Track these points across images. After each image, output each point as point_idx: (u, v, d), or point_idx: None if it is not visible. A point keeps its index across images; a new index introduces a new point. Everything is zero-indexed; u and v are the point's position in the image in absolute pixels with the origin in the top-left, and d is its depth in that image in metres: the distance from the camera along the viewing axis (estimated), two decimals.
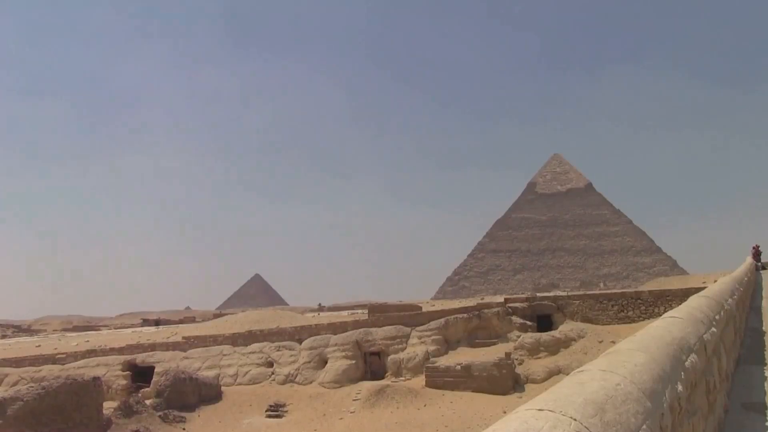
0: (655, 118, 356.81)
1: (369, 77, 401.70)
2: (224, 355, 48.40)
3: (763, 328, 16.48)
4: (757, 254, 54.40)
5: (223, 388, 43.64)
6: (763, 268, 51.36)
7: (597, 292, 69.78)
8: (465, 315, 47.81)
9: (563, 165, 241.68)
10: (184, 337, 52.94)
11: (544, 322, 48.42)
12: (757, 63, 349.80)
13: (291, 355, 46.70)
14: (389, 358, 44.75)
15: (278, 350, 47.39)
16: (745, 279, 27.16)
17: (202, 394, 40.95)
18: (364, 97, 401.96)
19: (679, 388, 4.14)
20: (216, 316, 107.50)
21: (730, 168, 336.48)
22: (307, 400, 40.05)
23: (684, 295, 38.54)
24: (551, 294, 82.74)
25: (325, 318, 69.80)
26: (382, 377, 43.69)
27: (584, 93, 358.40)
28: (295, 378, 44.62)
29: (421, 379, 40.93)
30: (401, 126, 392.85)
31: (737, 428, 6.78)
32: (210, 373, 45.70)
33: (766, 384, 9.22)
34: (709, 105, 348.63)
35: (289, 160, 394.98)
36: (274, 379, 45.05)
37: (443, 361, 41.43)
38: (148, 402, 37.90)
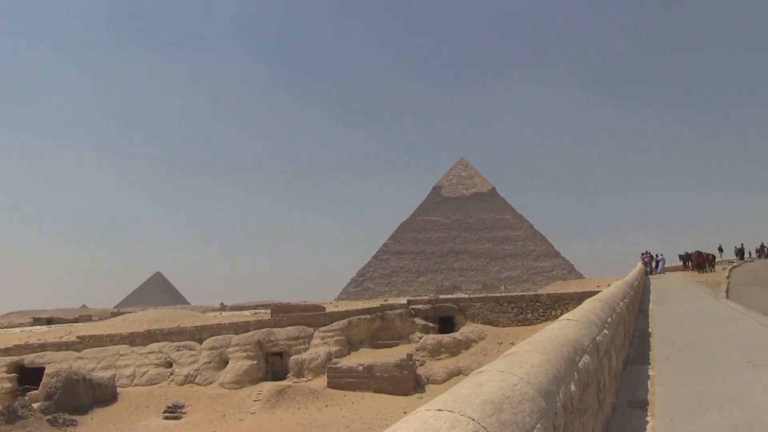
0: (556, 127, 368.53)
1: (275, 78, 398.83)
2: (121, 355, 46.87)
3: (650, 329, 17.24)
4: (650, 260, 57.00)
5: (119, 389, 42.27)
6: (648, 273, 53.70)
7: (498, 294, 71.41)
8: (368, 316, 48.00)
9: (468, 169, 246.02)
10: (78, 337, 50.85)
11: (446, 324, 49.15)
12: (652, 77, 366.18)
13: (191, 355, 45.71)
14: (291, 358, 44.43)
15: (178, 350, 46.29)
16: (636, 283, 28.37)
17: (96, 395, 39.47)
18: (269, 98, 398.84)
19: (572, 388, 4.27)
20: (114, 314, 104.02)
21: (624, 178, 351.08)
22: (207, 401, 39.28)
23: (580, 298, 39.87)
24: (454, 296, 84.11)
25: (227, 318, 68.70)
26: (283, 378, 43.32)
27: (490, 99, 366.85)
28: (194, 378, 43.70)
29: (323, 380, 40.83)
30: (307, 127, 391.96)
31: (623, 425, 7.07)
32: (105, 374, 44.16)
33: (649, 382, 9.65)
34: (608, 116, 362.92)
35: (192, 158, 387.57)
36: (173, 380, 43.97)
37: (346, 362, 41.45)
38: (35, 405, 36.25)
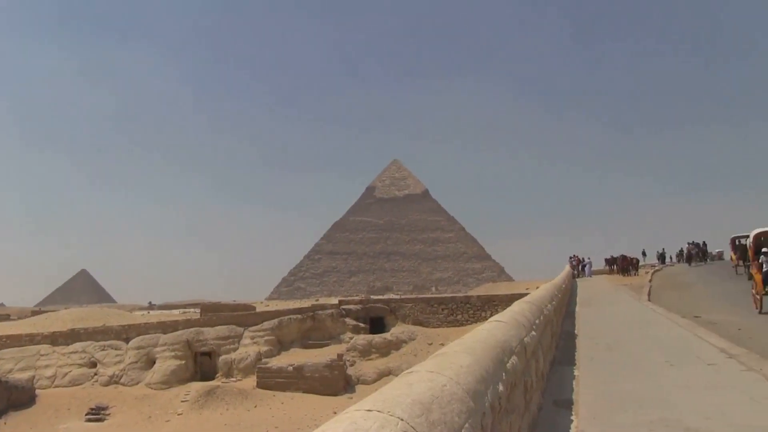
0: (489, 130, 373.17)
1: (211, 72, 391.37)
2: (42, 355, 45.35)
3: (576, 331, 17.68)
4: (577, 264, 58.38)
5: (38, 391, 40.87)
6: (575, 276, 54.97)
7: (429, 296, 71.99)
8: (299, 316, 47.77)
9: (402, 171, 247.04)
10: None
11: (377, 324, 49.27)
12: (581, 81, 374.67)
13: (117, 355, 44.62)
14: (221, 358, 43.85)
15: (103, 350, 45.11)
16: (563, 286, 29.01)
17: (11, 398, 37.91)
18: (203, 91, 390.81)
19: (500, 388, 4.36)
20: (35, 313, 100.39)
21: (554, 183, 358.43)
22: (133, 402, 38.39)
23: (509, 300, 40.53)
24: (385, 297, 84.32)
25: (156, 317, 67.32)
26: (212, 378, 42.73)
27: (424, 101, 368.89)
28: (120, 379, 42.67)
29: (252, 380, 40.44)
30: (241, 122, 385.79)
31: (548, 424, 7.25)
32: (23, 375, 42.65)
33: (574, 382, 9.90)
34: (540, 121, 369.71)
35: (120, 152, 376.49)
36: (96, 381, 42.81)
37: (276, 362, 41.16)
38: None
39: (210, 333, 45.38)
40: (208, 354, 44.64)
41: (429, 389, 3.12)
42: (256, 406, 35.71)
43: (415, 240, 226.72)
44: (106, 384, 42.22)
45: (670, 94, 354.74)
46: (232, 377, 42.24)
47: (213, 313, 52.52)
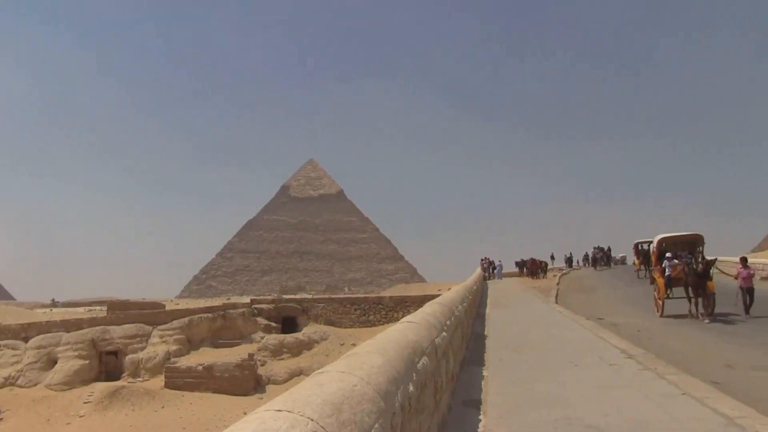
0: (405, 133, 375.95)
1: (132, 62, 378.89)
2: None
3: (486, 332, 18.04)
4: (488, 266, 59.54)
5: None
6: (486, 278, 56.03)
7: (341, 296, 72.07)
8: (210, 315, 46.97)
9: (317, 170, 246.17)
10: None
11: (289, 324, 48.98)
12: (500, 88, 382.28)
13: (14, 355, 42.68)
14: (127, 357, 42.61)
15: None
16: (475, 288, 29.53)
17: None
18: (120, 79, 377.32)
19: (411, 388, 4.42)
20: None
21: (467, 186, 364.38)
22: (30, 405, 36.72)
23: (421, 301, 40.98)
24: (298, 296, 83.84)
25: (59, 315, 64.84)
26: (118, 378, 41.46)
27: (342, 102, 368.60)
28: (16, 380, 40.79)
29: (160, 380, 39.45)
30: (152, 117, 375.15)
31: (458, 423, 7.39)
32: None
33: (483, 383, 10.12)
34: (456, 124, 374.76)
35: (23, 141, 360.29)
36: None
37: (185, 362, 40.31)
38: None
39: (117, 332, 44.04)
40: (114, 353, 43.30)
41: (340, 389, 3.14)
42: (163, 407, 34.87)
43: (329, 240, 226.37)
44: (1, 386, 40.28)
45: (584, 102, 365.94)
46: (139, 377, 41.11)
47: (120, 311, 50.97)
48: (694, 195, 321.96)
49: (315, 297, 60.67)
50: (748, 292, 20.32)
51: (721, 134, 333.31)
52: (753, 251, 71.85)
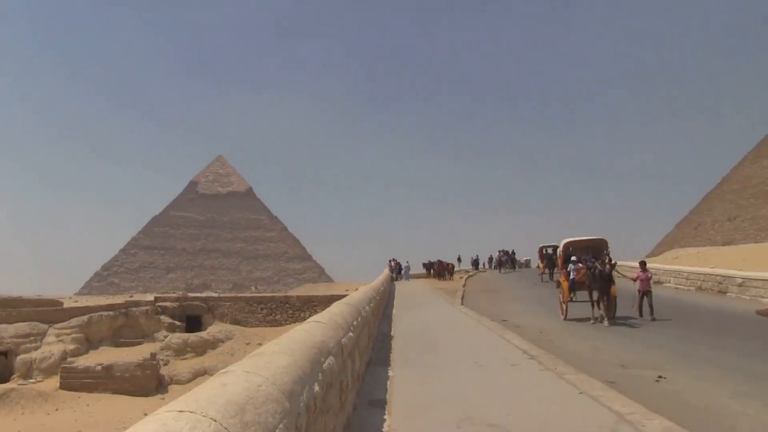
0: (313, 133, 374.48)
1: (38, 58, 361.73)
2: None
3: (392, 333, 18.16)
4: (396, 267, 60.01)
5: None
6: (394, 279, 56.46)
7: (248, 294, 71.07)
8: (111, 312, 45.50)
9: (226, 167, 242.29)
10: None
11: (194, 323, 48.01)
12: (396, 88, 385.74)
13: None
14: (19, 358, 40.71)
15: None
16: (382, 289, 29.70)
17: None
18: (27, 74, 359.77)
19: (316, 388, 4.40)
20: None
21: (374, 186, 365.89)
22: None
23: (329, 301, 40.95)
24: (203, 295, 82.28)
25: None
26: (8, 380, 39.59)
27: (252, 100, 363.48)
28: None
29: (55, 381, 37.89)
30: (55, 111, 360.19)
31: (362, 423, 7.42)
32: None
33: (389, 383, 10.18)
34: (364, 123, 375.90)
35: None
36: None
37: (83, 361, 38.89)
38: None
39: (7, 330, 42.04)
40: (4, 354, 41.30)
41: (244, 389, 3.10)
42: (57, 409, 33.52)
43: (237, 238, 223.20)
44: None
45: (488, 103, 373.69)
46: (32, 378, 39.36)
47: (12, 308, 48.69)
48: (594, 201, 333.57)
49: (221, 295, 59.59)
50: (645, 294, 20.99)
51: (614, 144, 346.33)
52: (648, 256, 75.01)
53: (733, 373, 10.83)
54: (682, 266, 37.79)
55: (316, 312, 29.98)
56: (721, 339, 14.44)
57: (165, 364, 39.99)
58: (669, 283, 33.61)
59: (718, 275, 29.61)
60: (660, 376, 10.83)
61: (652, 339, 16.22)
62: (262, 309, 49.25)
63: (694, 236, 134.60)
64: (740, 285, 26.96)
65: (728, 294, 27.49)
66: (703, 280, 31.06)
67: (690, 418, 7.67)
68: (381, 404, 8.57)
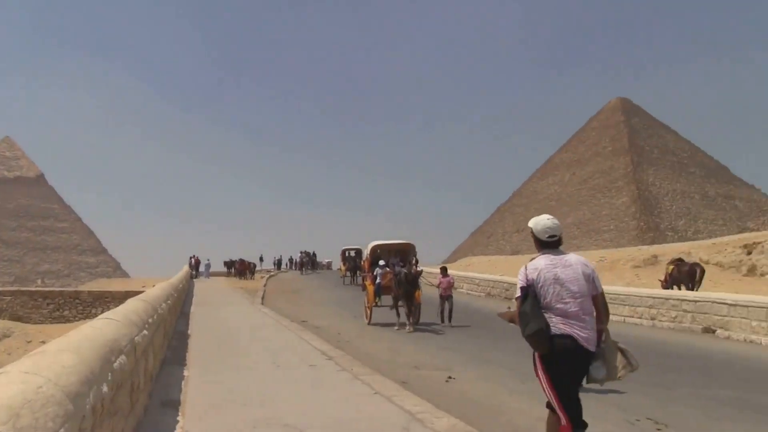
0: (116, 120, 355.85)
1: None
2: None
3: (189, 331, 17.72)
4: (197, 264, 58.65)
5: None
6: (194, 277, 55.16)
7: (32, 288, 66.18)
8: None
9: (14, 150, 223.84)
10: None
11: None
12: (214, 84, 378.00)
13: None
14: None
15: None
16: (181, 286, 28.93)
17: None
18: None
19: (105, 389, 4.18)
20: None
21: (183, 182, 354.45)
22: None
23: (124, 297, 38.97)
24: None
25: None
26: None
27: (45, 80, 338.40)
28: None
29: None
30: None
31: (154, 425, 7.15)
32: None
33: (184, 383, 9.92)
34: (180, 118, 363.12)
35: None
36: None
37: None
38: None
39: None
40: None
41: (21, 392, 2.87)
42: None
43: (23, 227, 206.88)
44: None
45: (295, 112, 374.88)
46: None
47: None
48: (396, 207, 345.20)
49: (1, 289, 54.98)
50: (446, 300, 21.06)
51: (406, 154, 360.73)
52: (444, 263, 78.75)
53: (512, 372, 11.65)
54: (475, 273, 40.14)
55: (109, 308, 28.51)
56: (503, 341, 15.39)
57: None
58: (462, 288, 35.47)
59: (505, 282, 31.74)
60: (450, 377, 11.38)
61: (445, 342, 17.02)
62: (48, 304, 46.01)
63: (487, 245, 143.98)
64: None
65: (513, 300, 29.42)
66: (492, 287, 33.18)
67: (475, 415, 8.15)
68: (174, 405, 8.32)
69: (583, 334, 5.01)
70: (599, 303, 5.23)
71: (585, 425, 5.12)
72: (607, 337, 5.19)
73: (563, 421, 5.06)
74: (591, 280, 5.18)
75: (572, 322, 5.02)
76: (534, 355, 5.23)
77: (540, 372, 5.18)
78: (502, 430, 7.63)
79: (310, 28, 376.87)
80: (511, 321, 5.61)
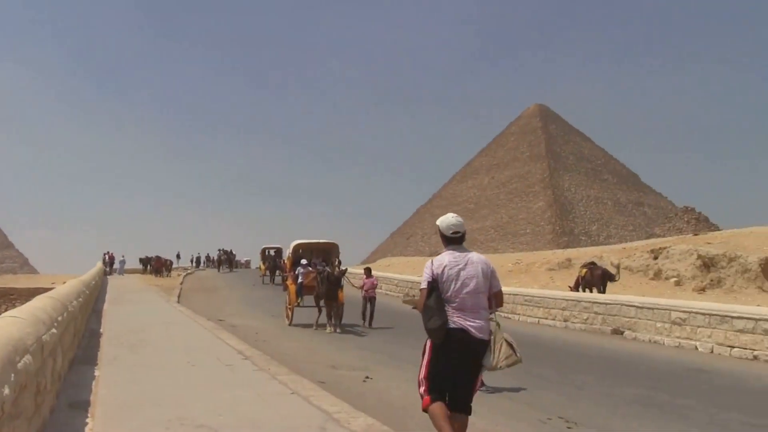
0: (29, 108, 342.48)
1: None
2: None
3: (102, 330, 17.23)
4: (111, 261, 57.15)
5: None
6: (108, 273, 53.76)
7: None
8: None
9: None
10: None
11: None
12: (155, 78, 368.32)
13: None
14: None
15: None
16: (93, 283, 28.08)
17: None
18: None
19: (6, 391, 4.02)
20: None
21: (90, 175, 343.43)
22: None
23: (31, 294, 37.52)
24: None
25: None
26: None
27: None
28: None
29: None
30: None
31: (61, 427, 6.91)
32: None
33: (94, 383, 9.64)
34: (85, 108, 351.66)
35: None
36: None
37: None
38: None
39: None
40: None
41: None
42: None
43: None
44: None
45: (210, 105, 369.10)
46: None
47: None
48: (320, 205, 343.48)
49: None
50: (370, 301, 21.02)
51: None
52: (363, 263, 79.05)
53: None
54: (394, 274, 40.41)
55: (15, 306, 27.40)
56: (422, 342, 15.60)
57: None
58: (380, 289, 35.66)
59: None
60: (367, 377, 11.44)
61: (364, 342, 17.10)
62: None
63: (406, 246, 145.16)
64: None
65: (417, 290, 29.76)
66: (410, 287, 33.48)
67: (390, 415, 8.23)
68: (84, 406, 8.06)
69: (476, 324, 5.43)
70: (496, 299, 5.71)
71: (469, 411, 5.57)
72: (496, 331, 5.59)
73: (422, 390, 5.51)
74: (489, 278, 5.60)
75: (467, 315, 5.42)
76: (427, 340, 5.64)
77: (426, 352, 5.65)
78: (419, 429, 7.72)
79: None
80: (415, 308, 5.97)
